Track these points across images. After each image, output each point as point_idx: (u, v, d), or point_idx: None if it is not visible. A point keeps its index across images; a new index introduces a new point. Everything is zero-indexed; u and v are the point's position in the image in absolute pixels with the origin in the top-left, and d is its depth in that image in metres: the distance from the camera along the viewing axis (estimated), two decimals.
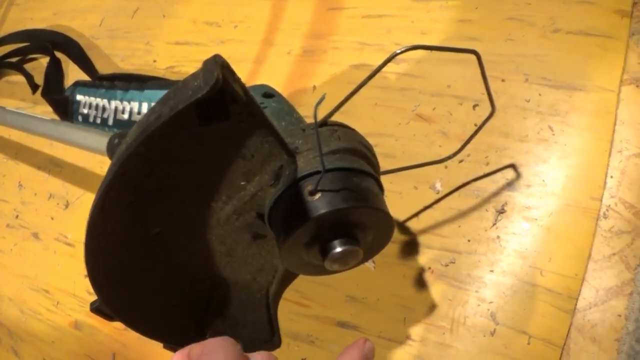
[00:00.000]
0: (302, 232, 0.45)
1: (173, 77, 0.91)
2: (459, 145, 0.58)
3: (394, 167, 0.61)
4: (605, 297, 0.53)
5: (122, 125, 0.91)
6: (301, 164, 0.47)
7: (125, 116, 0.91)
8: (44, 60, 1.08)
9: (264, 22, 0.86)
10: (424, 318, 0.59)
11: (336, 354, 0.39)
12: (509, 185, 0.60)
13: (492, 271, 0.58)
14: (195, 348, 0.34)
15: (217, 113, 0.38)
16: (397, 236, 0.63)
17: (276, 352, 0.50)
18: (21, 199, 0.99)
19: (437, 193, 0.63)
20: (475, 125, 0.62)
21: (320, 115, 0.45)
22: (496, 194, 0.60)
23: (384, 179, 0.52)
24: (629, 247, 0.54)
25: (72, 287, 0.85)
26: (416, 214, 0.63)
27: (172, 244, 0.50)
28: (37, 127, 0.82)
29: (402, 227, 0.64)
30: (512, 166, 0.60)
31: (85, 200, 0.91)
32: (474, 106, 0.65)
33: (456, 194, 0.62)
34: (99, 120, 0.94)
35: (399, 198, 0.65)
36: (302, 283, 0.65)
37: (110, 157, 0.64)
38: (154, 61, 0.96)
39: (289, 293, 0.66)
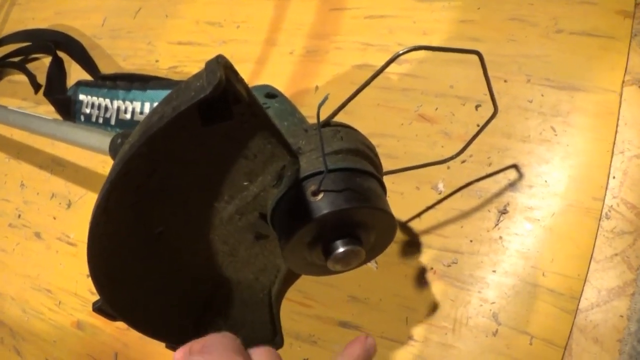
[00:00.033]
0: (304, 233, 0.45)
1: (175, 77, 0.91)
2: (461, 146, 0.58)
3: (396, 167, 0.61)
4: (608, 297, 0.53)
5: (124, 125, 0.91)
6: (304, 164, 0.47)
7: (128, 116, 0.91)
8: (47, 60, 1.08)
9: (267, 22, 0.86)
10: (426, 318, 0.59)
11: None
12: (512, 185, 0.60)
13: (494, 271, 0.58)
14: (196, 344, 0.35)
15: (220, 113, 0.38)
16: (399, 236, 0.63)
17: (278, 352, 0.50)
18: (23, 198, 0.99)
19: (440, 193, 0.63)
20: (478, 125, 0.62)
21: (323, 116, 0.45)
22: (498, 194, 0.60)
23: (386, 180, 0.52)
24: (631, 247, 0.54)
25: (75, 287, 0.86)
26: (418, 215, 0.63)
27: (175, 244, 0.50)
28: (40, 127, 0.82)
29: (405, 227, 0.64)
30: (515, 167, 0.60)
31: (87, 200, 0.91)
32: (477, 107, 0.65)
33: (458, 194, 0.62)
34: (101, 120, 0.94)
35: (401, 198, 0.65)
36: (305, 283, 0.65)
37: (113, 157, 0.65)
38: (157, 61, 0.96)
39: (291, 293, 0.66)
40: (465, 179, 0.62)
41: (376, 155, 0.53)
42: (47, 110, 1.02)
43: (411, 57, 0.71)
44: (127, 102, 0.91)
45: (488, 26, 0.68)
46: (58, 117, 1.00)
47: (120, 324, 0.53)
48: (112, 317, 0.51)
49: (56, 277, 0.89)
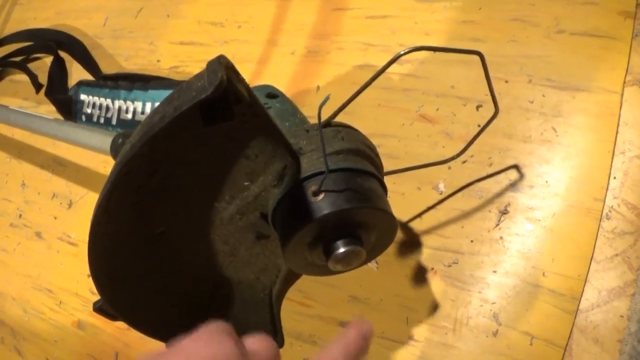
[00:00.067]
0: (305, 233, 0.45)
1: (177, 77, 0.91)
2: (462, 146, 0.58)
3: (397, 167, 0.61)
4: (608, 298, 0.53)
5: (125, 125, 0.91)
6: (305, 164, 0.47)
7: (129, 116, 0.91)
8: (48, 60, 1.08)
9: (268, 22, 0.87)
10: (427, 318, 0.59)
11: None
12: (512, 186, 0.60)
13: (495, 272, 0.58)
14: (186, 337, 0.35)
15: (221, 114, 0.38)
16: (400, 236, 0.63)
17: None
18: (24, 198, 0.99)
19: (440, 194, 0.63)
20: (479, 126, 0.62)
21: (324, 116, 0.46)
22: (499, 194, 0.60)
23: (387, 180, 0.52)
24: (632, 248, 0.54)
25: (75, 287, 0.86)
26: (419, 215, 0.63)
27: (176, 244, 0.50)
28: (41, 127, 0.82)
29: (405, 227, 0.64)
30: (516, 167, 0.60)
31: (88, 200, 0.91)
32: (478, 107, 0.65)
33: (459, 194, 0.62)
34: (102, 120, 0.94)
35: (402, 199, 0.65)
36: (305, 283, 0.65)
37: (114, 157, 0.65)
38: (158, 61, 0.96)
39: (292, 293, 0.66)
40: (466, 179, 0.62)
41: (377, 155, 0.53)
42: (48, 110, 1.02)
43: (412, 58, 0.71)
44: (129, 102, 0.91)
45: (489, 26, 0.68)
46: (59, 117, 1.00)
47: (121, 324, 0.53)
48: (112, 317, 0.51)
49: (57, 277, 0.89)
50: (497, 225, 0.59)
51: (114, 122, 0.93)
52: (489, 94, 0.50)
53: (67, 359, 0.83)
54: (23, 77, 1.12)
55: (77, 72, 1.04)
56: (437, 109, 0.67)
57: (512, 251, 0.58)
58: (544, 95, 0.62)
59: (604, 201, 0.56)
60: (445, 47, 0.46)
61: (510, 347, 0.55)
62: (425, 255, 0.62)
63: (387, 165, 0.57)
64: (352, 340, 0.38)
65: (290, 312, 0.66)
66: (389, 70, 0.44)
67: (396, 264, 0.63)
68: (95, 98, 0.96)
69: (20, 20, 1.23)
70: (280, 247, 0.48)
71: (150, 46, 0.98)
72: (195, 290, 0.55)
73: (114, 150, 0.65)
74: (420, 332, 0.59)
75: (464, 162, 0.63)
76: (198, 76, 0.37)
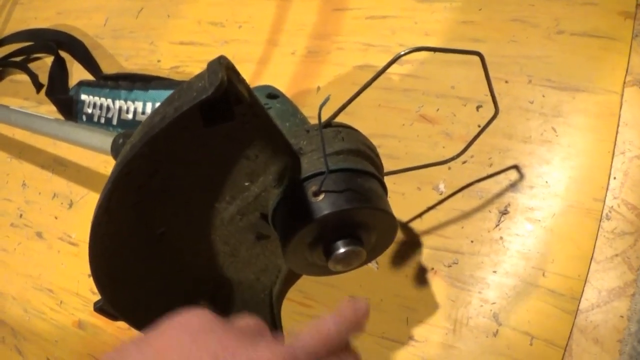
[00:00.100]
0: (305, 233, 0.46)
1: (177, 77, 0.91)
2: (462, 147, 0.58)
3: (397, 168, 0.61)
4: (608, 298, 0.53)
5: (126, 125, 0.91)
6: (305, 164, 0.47)
7: (130, 116, 0.91)
8: (49, 60, 1.08)
9: (269, 22, 0.87)
10: (427, 319, 0.59)
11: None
12: (512, 186, 0.60)
13: (495, 272, 0.58)
14: None
15: (222, 114, 0.38)
16: (400, 237, 0.63)
17: None
18: (25, 198, 0.99)
19: (441, 194, 0.63)
20: (479, 126, 0.62)
21: (325, 116, 0.46)
22: (499, 195, 0.60)
23: (387, 180, 0.52)
24: (632, 248, 0.54)
25: (76, 287, 0.86)
26: (419, 215, 0.64)
27: (176, 244, 0.50)
28: (41, 127, 0.82)
29: (406, 228, 0.64)
30: (516, 167, 0.61)
31: (89, 200, 0.91)
32: (478, 107, 0.65)
33: (459, 195, 0.62)
34: (103, 120, 0.94)
35: (403, 199, 0.65)
36: (306, 283, 0.65)
37: (115, 157, 0.65)
38: (158, 61, 0.96)
39: (292, 293, 0.66)
40: (466, 180, 0.62)
41: (377, 155, 0.53)
42: (49, 110, 1.02)
43: (412, 58, 0.71)
44: (129, 102, 0.91)
45: (489, 27, 0.68)
46: (60, 117, 1.00)
47: (122, 324, 0.53)
48: (113, 317, 0.52)
49: (58, 276, 0.89)
50: (497, 225, 0.59)
51: (114, 122, 0.93)
52: (489, 94, 0.50)
53: (68, 359, 0.83)
54: (24, 77, 1.12)
55: (77, 72, 1.04)
56: (437, 110, 0.67)
57: (512, 251, 0.58)
58: (544, 96, 0.62)
59: (604, 201, 0.56)
60: (445, 47, 0.46)
61: (510, 347, 0.55)
62: (426, 256, 0.62)
63: (388, 166, 0.57)
64: (346, 315, 0.38)
65: (290, 312, 0.66)
66: (389, 70, 0.44)
67: (396, 264, 0.63)
68: (96, 98, 0.96)
69: (21, 20, 1.23)
70: (280, 248, 0.48)
71: (150, 46, 0.98)
72: (195, 290, 0.55)
73: (115, 151, 0.65)
74: (421, 332, 0.59)
75: (464, 162, 0.63)
76: (199, 77, 0.37)
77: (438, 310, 0.59)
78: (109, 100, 0.94)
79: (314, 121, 0.51)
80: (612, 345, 0.52)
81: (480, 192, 0.61)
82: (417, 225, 0.63)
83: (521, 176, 0.60)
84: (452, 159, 0.60)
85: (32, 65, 1.13)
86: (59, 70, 1.05)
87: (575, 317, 0.54)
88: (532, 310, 0.55)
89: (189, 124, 0.38)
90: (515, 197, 0.60)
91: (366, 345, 0.61)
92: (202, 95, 0.35)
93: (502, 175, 0.61)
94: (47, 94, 1.03)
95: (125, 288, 0.50)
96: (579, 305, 0.54)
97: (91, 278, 0.47)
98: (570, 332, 0.53)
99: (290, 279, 0.62)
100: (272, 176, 0.47)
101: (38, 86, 1.08)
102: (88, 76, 1.01)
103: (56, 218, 0.93)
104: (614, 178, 0.56)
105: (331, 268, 0.48)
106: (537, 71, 0.63)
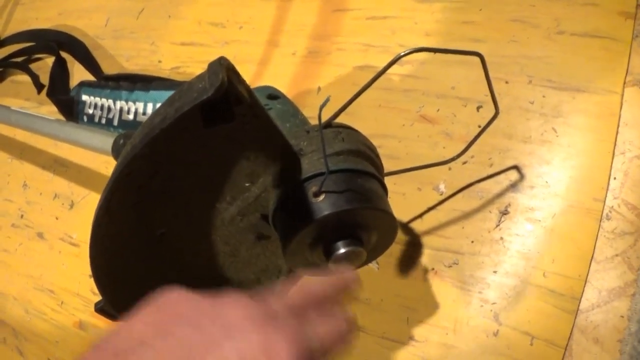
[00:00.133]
0: (306, 233, 0.46)
1: (178, 78, 0.91)
2: (462, 147, 0.58)
3: (397, 168, 0.61)
4: (608, 298, 0.53)
5: (127, 126, 0.91)
6: (305, 165, 0.47)
7: (130, 117, 0.91)
8: (50, 60, 1.08)
9: (269, 23, 0.87)
10: (427, 318, 0.59)
11: (339, 354, 0.38)
12: (513, 186, 0.60)
13: (495, 272, 0.58)
14: None
15: (222, 115, 0.38)
16: (400, 237, 0.63)
17: None
18: (26, 198, 0.99)
19: (441, 194, 0.63)
20: (479, 126, 0.62)
21: (325, 117, 0.46)
22: (500, 195, 0.60)
23: (387, 180, 0.52)
24: (632, 248, 0.54)
25: (77, 287, 0.86)
26: (420, 215, 0.64)
27: (177, 245, 0.50)
28: (42, 127, 0.82)
29: (406, 228, 0.64)
30: (516, 167, 0.61)
31: (90, 200, 0.91)
32: (478, 108, 0.65)
33: (460, 195, 0.62)
34: (104, 121, 0.94)
35: (403, 199, 0.65)
36: None
37: (115, 158, 0.65)
38: (159, 62, 0.96)
39: None
40: (467, 180, 0.62)
41: (377, 156, 0.53)
42: (50, 110, 1.02)
43: (413, 59, 0.71)
44: (130, 103, 0.91)
45: (490, 27, 0.68)
46: (61, 117, 1.00)
47: None
48: (114, 317, 0.52)
49: (59, 277, 0.89)
50: (497, 225, 0.59)
51: (115, 122, 0.93)
52: (489, 94, 0.50)
53: (69, 359, 0.83)
54: (25, 78, 1.12)
55: (78, 73, 1.05)
56: (438, 110, 0.67)
57: (512, 251, 0.58)
58: (544, 96, 0.62)
59: (604, 201, 0.56)
60: (446, 48, 0.46)
61: (510, 347, 0.55)
62: (426, 256, 0.62)
63: (388, 166, 0.57)
64: (332, 281, 0.37)
65: None
66: (389, 71, 0.44)
67: (397, 264, 0.63)
68: (97, 99, 0.96)
69: (22, 21, 1.23)
70: (281, 248, 0.48)
71: (151, 47, 0.99)
72: (196, 291, 0.55)
73: (116, 151, 0.65)
74: (421, 332, 0.59)
75: (465, 162, 0.63)
76: (199, 77, 0.38)
77: (438, 310, 0.59)
78: (110, 101, 0.94)
79: (314, 122, 0.51)
80: (613, 345, 0.52)
81: (481, 192, 0.61)
82: (418, 226, 0.63)
83: (521, 176, 0.60)
84: (453, 159, 0.60)
85: (33, 66, 1.13)
86: (60, 71, 1.05)
87: (575, 317, 0.54)
88: (532, 310, 0.55)
89: (190, 125, 0.38)
90: (516, 197, 0.60)
91: (366, 345, 0.61)
92: (202, 96, 0.35)
93: (502, 176, 0.61)
94: (48, 94, 1.03)
95: (126, 288, 0.50)
96: (579, 305, 0.54)
97: (92, 278, 0.47)
98: (571, 332, 0.53)
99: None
100: (272, 177, 0.47)
101: (39, 87, 1.08)
102: (89, 77, 1.01)
103: (57, 219, 0.93)
104: (614, 178, 0.56)
105: (331, 268, 0.48)
106: (537, 71, 0.63)
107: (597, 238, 0.55)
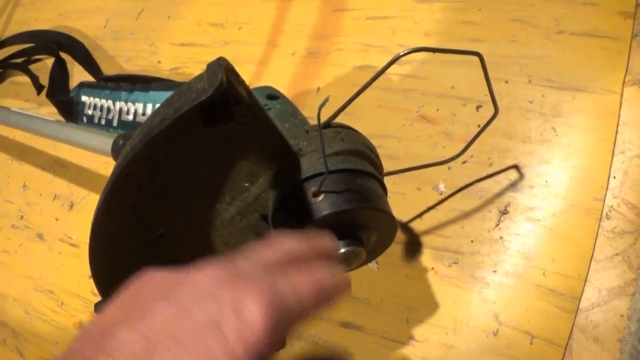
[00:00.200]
0: None
1: (177, 79, 0.91)
2: (462, 147, 0.58)
3: (397, 168, 0.61)
4: (608, 297, 0.53)
5: (126, 127, 0.91)
6: (305, 165, 0.47)
7: (130, 117, 0.91)
8: (49, 61, 1.08)
9: (269, 23, 0.87)
10: (427, 318, 0.59)
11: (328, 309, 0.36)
12: (512, 186, 0.60)
13: (495, 272, 0.58)
14: None
15: (221, 115, 0.38)
16: (400, 237, 0.63)
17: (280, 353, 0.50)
18: (26, 199, 0.99)
19: (441, 194, 0.63)
20: (479, 126, 0.62)
21: (324, 117, 0.46)
22: (499, 194, 0.60)
23: (387, 180, 0.52)
24: (632, 247, 0.54)
25: (77, 288, 0.86)
26: (419, 215, 0.64)
27: (176, 245, 0.50)
28: (42, 128, 0.82)
29: (406, 228, 0.64)
30: (515, 167, 0.61)
31: (89, 201, 0.91)
32: (478, 107, 0.65)
33: (459, 194, 0.62)
34: (103, 122, 0.94)
35: (402, 199, 0.65)
36: None
37: (115, 159, 0.65)
38: (159, 62, 0.96)
39: None
40: (466, 180, 0.62)
41: (377, 156, 0.53)
42: (49, 111, 1.02)
43: (412, 58, 0.71)
44: (130, 104, 0.92)
45: (489, 27, 0.68)
46: (60, 118, 1.00)
47: None
48: None
49: (58, 278, 0.89)
50: (497, 225, 0.59)
51: (115, 123, 0.93)
52: (488, 94, 0.50)
53: None
54: (24, 79, 1.12)
55: (78, 74, 1.05)
56: (437, 110, 0.67)
57: (512, 251, 0.58)
58: (543, 96, 0.62)
59: (604, 201, 0.56)
60: (445, 48, 0.46)
61: (510, 347, 0.55)
62: (426, 256, 0.62)
63: (387, 166, 0.57)
64: (305, 238, 0.36)
65: None
66: (388, 70, 0.44)
67: (396, 264, 0.63)
68: (97, 99, 0.96)
69: (21, 22, 1.23)
70: None
71: (151, 47, 0.99)
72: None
73: (115, 152, 0.65)
74: (421, 332, 0.59)
75: (464, 162, 0.63)
76: (198, 78, 0.38)
77: (438, 310, 0.59)
78: (110, 102, 0.94)
79: (313, 122, 0.51)
80: (613, 344, 0.52)
81: (480, 192, 0.61)
82: (417, 225, 0.63)
83: (521, 176, 0.60)
84: (452, 159, 0.60)
85: (33, 67, 1.13)
86: (60, 72, 1.05)
87: (575, 317, 0.54)
88: (532, 310, 0.55)
89: (189, 125, 0.38)
90: (515, 196, 0.60)
91: (366, 345, 0.61)
92: (201, 96, 0.35)
93: (502, 175, 0.61)
94: (48, 95, 1.03)
95: None
96: (579, 305, 0.54)
97: (92, 279, 0.47)
98: (571, 332, 0.53)
99: None
100: (271, 177, 0.47)
101: (39, 88, 1.08)
102: (89, 77, 1.01)
103: (57, 219, 0.93)
104: (614, 177, 0.57)
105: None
106: (537, 71, 0.63)
107: (596, 237, 0.55)
